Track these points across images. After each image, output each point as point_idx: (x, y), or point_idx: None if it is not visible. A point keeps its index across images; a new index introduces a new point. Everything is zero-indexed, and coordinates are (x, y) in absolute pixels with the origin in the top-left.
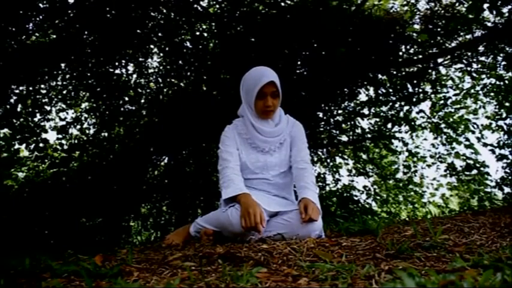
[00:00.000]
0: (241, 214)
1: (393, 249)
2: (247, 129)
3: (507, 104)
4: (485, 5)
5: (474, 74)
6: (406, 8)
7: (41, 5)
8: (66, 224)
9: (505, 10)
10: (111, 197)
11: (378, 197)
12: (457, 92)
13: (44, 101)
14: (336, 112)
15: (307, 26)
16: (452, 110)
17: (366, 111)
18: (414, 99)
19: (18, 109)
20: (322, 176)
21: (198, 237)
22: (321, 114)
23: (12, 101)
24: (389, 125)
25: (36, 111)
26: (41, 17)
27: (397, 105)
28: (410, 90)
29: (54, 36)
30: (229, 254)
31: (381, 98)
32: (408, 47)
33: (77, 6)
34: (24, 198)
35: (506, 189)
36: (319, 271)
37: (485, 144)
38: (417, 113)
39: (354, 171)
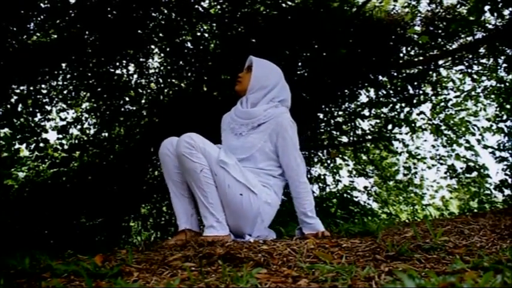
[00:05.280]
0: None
1: (393, 251)
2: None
3: (508, 106)
4: (486, 7)
5: (475, 76)
6: (407, 9)
7: (42, 4)
8: (66, 224)
9: (506, 12)
10: (111, 197)
11: (378, 198)
12: (458, 94)
13: (44, 100)
14: (336, 113)
15: (308, 27)
16: (453, 112)
17: (366, 112)
18: (415, 101)
19: (19, 109)
20: (322, 177)
21: None
22: (321, 115)
23: (12, 100)
24: (389, 127)
25: (37, 111)
26: (42, 16)
27: (397, 107)
28: (411, 91)
29: (55, 36)
30: (229, 254)
31: (381, 99)
32: (409, 48)
33: (78, 6)
34: (24, 198)
35: (507, 192)
36: (319, 272)
37: (485, 147)
38: (418, 114)
39: (354, 173)
